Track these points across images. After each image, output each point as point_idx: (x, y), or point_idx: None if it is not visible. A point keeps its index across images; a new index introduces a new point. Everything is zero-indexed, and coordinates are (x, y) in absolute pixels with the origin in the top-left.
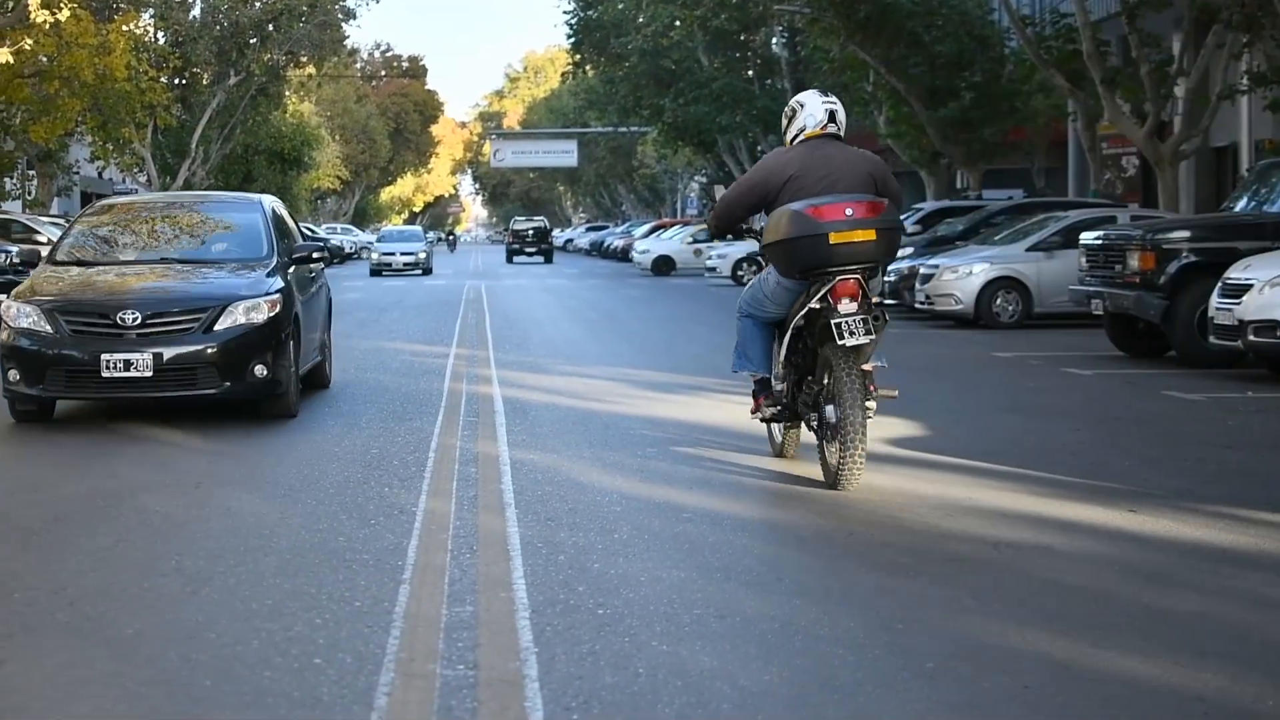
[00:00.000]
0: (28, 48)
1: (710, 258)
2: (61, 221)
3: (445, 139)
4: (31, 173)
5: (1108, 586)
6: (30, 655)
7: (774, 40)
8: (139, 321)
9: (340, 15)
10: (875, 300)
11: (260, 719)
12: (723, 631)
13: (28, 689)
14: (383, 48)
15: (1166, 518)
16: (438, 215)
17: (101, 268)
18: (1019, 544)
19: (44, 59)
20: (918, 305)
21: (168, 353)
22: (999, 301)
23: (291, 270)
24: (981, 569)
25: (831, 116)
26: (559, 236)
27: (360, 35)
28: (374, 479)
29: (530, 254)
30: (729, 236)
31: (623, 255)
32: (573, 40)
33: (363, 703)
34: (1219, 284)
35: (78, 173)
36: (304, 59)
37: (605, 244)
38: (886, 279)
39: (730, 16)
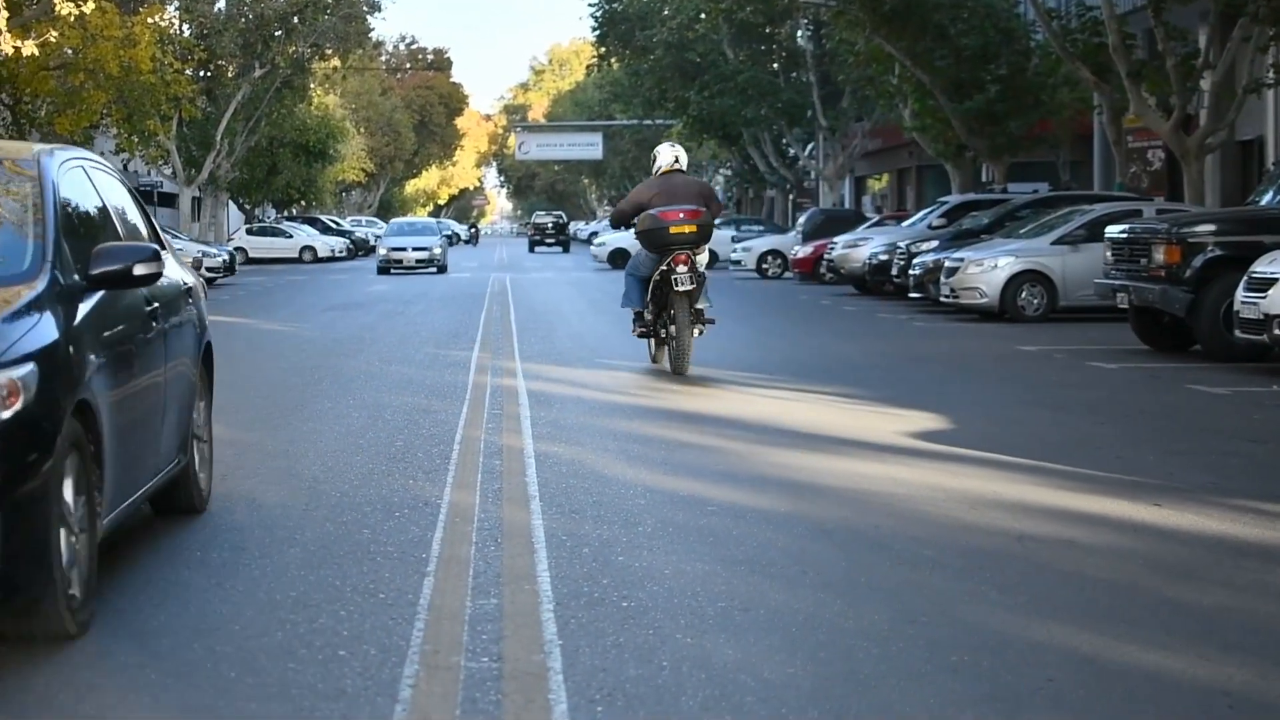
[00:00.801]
0: (53, 40)
1: (735, 250)
2: None
3: (470, 132)
4: None
5: (1132, 580)
6: (56, 647)
7: (799, 33)
8: None
9: (365, 8)
10: (701, 268)
11: (284, 710)
12: (747, 624)
13: (54, 681)
14: (407, 40)
15: (1191, 511)
16: (462, 208)
17: None
18: (1043, 537)
19: (69, 51)
20: (942, 298)
21: None
22: (1024, 295)
23: (93, 303)
24: (1005, 562)
25: (676, 160)
26: (584, 229)
27: (385, 28)
28: (399, 471)
29: (550, 244)
30: (622, 228)
31: None
32: (598, 33)
33: (387, 695)
34: (1244, 278)
35: None
36: (329, 51)
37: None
38: (911, 272)
39: (755, 9)
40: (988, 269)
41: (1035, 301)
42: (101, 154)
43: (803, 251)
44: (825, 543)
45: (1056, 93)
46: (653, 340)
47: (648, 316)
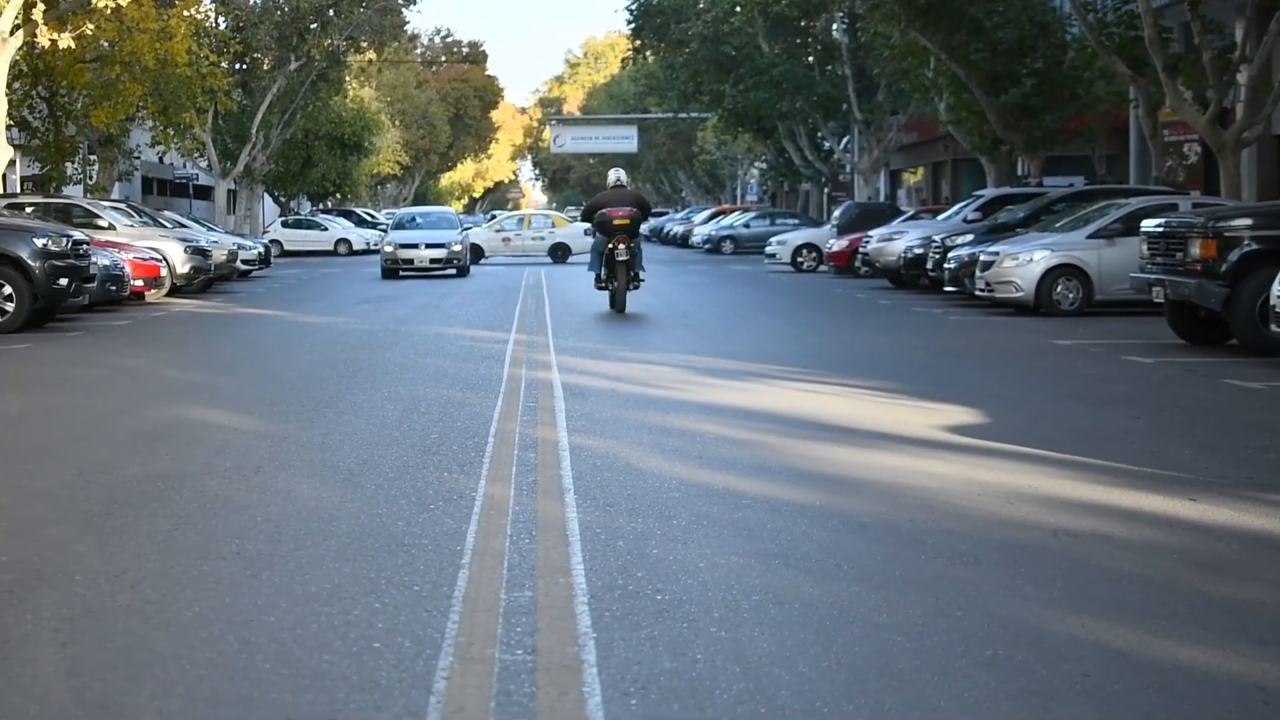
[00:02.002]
0: (89, 32)
1: (770, 243)
2: (122, 206)
3: (505, 124)
4: (93, 157)
5: (1167, 575)
6: (91, 637)
7: (834, 26)
8: None
9: (400, 1)
10: (631, 244)
11: (319, 702)
12: (781, 618)
13: (89, 671)
14: (443, 33)
15: (1226, 506)
16: (497, 200)
17: None
18: (1078, 532)
19: (105, 44)
20: (977, 292)
21: None
22: (1059, 289)
23: None
24: (1040, 556)
25: (618, 180)
26: None
27: (420, 21)
28: (433, 464)
29: None
30: (588, 222)
31: (682, 241)
32: (633, 26)
33: (421, 687)
34: None
35: (139, 157)
36: (364, 44)
37: (665, 230)
38: (947, 266)
39: (791, 2)
40: (1023, 263)
41: (1071, 295)
42: (137, 146)
43: (838, 245)
44: (860, 536)
45: (1092, 86)
46: (609, 293)
47: (603, 276)
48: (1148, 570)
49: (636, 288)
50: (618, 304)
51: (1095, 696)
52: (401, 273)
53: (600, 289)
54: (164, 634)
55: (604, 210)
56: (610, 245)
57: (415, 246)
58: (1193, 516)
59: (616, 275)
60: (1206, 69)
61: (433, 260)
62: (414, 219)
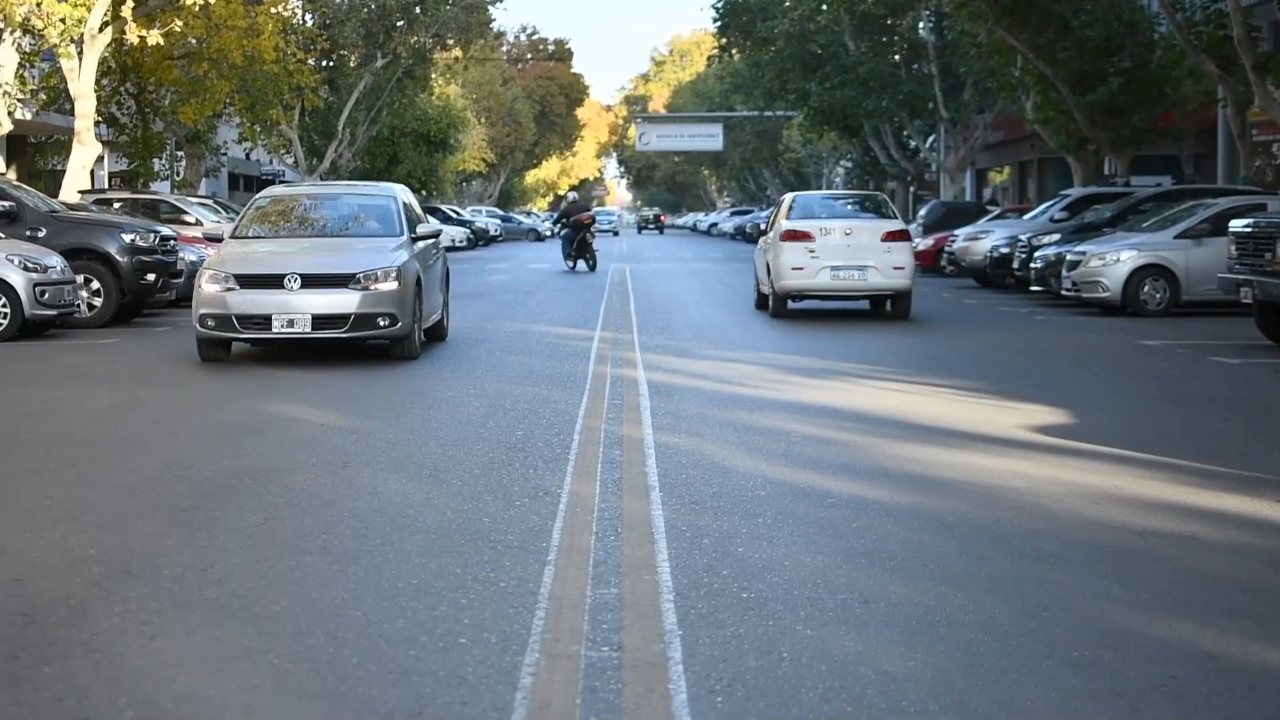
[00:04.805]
0: (178, 30)
1: None
2: (209, 202)
3: (590, 122)
4: (180, 154)
5: (1255, 577)
6: (179, 631)
7: (921, 24)
8: None
9: None
10: (590, 234)
11: (405, 696)
12: (867, 617)
13: (177, 663)
14: (529, 30)
15: None
16: (582, 198)
17: None
18: (1165, 533)
19: (193, 41)
20: (1064, 292)
21: None
22: (1146, 289)
23: None
24: (1127, 557)
25: (575, 198)
26: (704, 220)
27: (506, 18)
28: (519, 460)
29: (651, 229)
30: (561, 221)
31: None
32: (719, 24)
33: (507, 682)
34: None
35: (225, 154)
36: (450, 42)
37: (749, 228)
38: (1033, 265)
39: (877, 0)
40: (1110, 263)
41: (1157, 296)
42: (224, 143)
43: (923, 244)
44: (945, 536)
45: (1180, 85)
46: (572, 263)
47: (572, 255)
48: (1235, 572)
49: (595, 252)
50: (590, 266)
51: (1182, 699)
52: (251, 342)
53: (567, 260)
54: (251, 628)
55: (575, 216)
56: (578, 236)
57: (277, 284)
58: None
59: (585, 252)
60: None
61: (320, 319)
62: (291, 211)
